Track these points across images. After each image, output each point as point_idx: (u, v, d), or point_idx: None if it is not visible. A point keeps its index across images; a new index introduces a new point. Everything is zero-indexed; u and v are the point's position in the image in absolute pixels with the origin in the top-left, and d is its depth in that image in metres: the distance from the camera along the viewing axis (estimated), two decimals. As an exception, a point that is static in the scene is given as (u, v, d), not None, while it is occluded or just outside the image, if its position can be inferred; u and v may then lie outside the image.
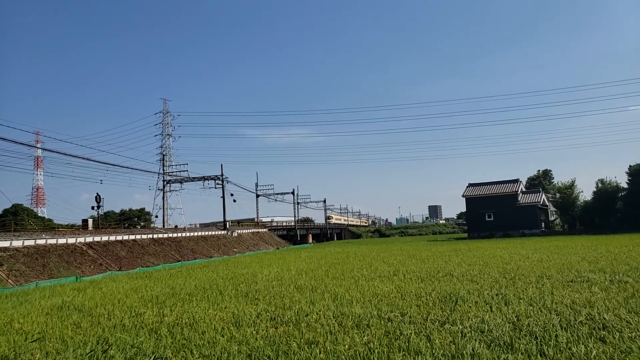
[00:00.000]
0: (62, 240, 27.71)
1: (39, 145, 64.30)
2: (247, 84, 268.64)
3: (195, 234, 43.58)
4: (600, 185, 56.33)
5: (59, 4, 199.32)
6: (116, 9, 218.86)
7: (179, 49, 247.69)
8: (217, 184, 53.53)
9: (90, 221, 40.47)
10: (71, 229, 32.15)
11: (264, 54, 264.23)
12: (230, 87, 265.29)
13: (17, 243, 24.55)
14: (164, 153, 70.40)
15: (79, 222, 45.46)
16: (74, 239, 28.80)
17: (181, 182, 57.97)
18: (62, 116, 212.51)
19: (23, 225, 47.60)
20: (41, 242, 26.19)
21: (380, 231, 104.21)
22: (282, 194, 79.36)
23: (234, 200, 59.03)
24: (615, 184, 55.47)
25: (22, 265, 22.79)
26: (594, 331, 6.91)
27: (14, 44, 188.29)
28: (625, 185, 54.57)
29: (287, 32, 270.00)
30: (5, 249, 23.46)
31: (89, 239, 29.90)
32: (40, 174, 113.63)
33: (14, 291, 17.03)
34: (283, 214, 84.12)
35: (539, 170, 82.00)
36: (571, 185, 58.79)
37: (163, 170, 60.83)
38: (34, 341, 8.13)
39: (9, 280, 20.50)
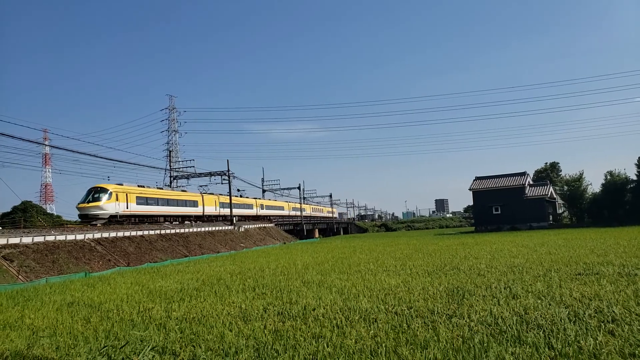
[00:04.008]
0: (70, 237, 27.92)
1: (47, 143, 64.71)
2: (252, 79, 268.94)
3: (203, 229, 43.75)
4: (609, 177, 55.75)
5: (61, 2, 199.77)
6: (120, 6, 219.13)
7: (183, 46, 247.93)
8: (224, 179, 53.65)
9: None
10: (80, 225, 32.37)
11: (268, 49, 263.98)
12: (235, 83, 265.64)
13: (27, 240, 24.76)
14: (171, 149, 70.79)
15: (87, 219, 45.52)
16: (83, 235, 29.01)
17: (188, 178, 58.13)
18: (68, 114, 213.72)
19: (32, 222, 47.96)
20: (50, 238, 26.41)
21: (387, 225, 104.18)
22: (288, 189, 79.31)
23: (240, 196, 59.23)
24: (624, 175, 54.89)
25: (32, 261, 23.01)
26: (602, 324, 6.87)
27: (19, 41, 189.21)
28: (635, 177, 53.96)
29: (292, 27, 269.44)
30: (15, 246, 23.69)
31: (97, 235, 30.10)
32: (49, 171, 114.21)
33: (24, 287, 17.21)
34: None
35: (546, 163, 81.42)
36: (579, 178, 58.26)
37: (170, 166, 61.07)
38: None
39: (20, 276, 20.72)
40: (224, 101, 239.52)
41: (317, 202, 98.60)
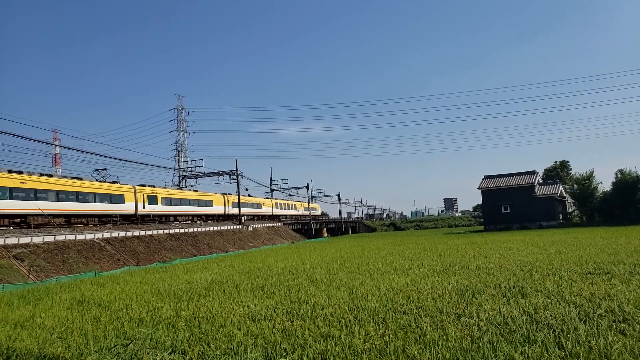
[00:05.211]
0: (80, 236, 28.17)
1: (57, 143, 65.33)
2: (255, 79, 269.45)
3: (211, 228, 43.93)
4: (619, 175, 55.24)
5: (61, 2, 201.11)
6: (120, 6, 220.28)
7: (185, 46, 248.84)
8: (232, 179, 53.86)
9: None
10: (89, 225, 32.63)
11: (271, 49, 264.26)
12: (244, 82, 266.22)
13: (37, 239, 25.02)
14: (179, 149, 71.13)
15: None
16: (92, 234, 29.25)
17: (196, 178, 58.45)
18: (71, 114, 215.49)
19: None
20: (60, 238, 26.65)
21: (395, 224, 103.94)
22: (296, 188, 79.44)
23: (249, 195, 59.42)
24: (635, 174, 54.34)
25: (43, 260, 23.24)
26: (613, 324, 6.80)
27: (20, 42, 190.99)
28: (646, 176, 53.45)
29: (296, 26, 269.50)
30: (26, 245, 23.94)
31: (107, 235, 30.34)
32: (59, 171, 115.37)
33: (35, 286, 17.36)
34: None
35: (556, 162, 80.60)
36: (589, 176, 57.79)
37: (178, 165, 61.40)
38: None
39: (30, 276, 20.93)
40: (226, 101, 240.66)
41: (290, 195, 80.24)
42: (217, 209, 50.74)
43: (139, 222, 37.58)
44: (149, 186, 40.97)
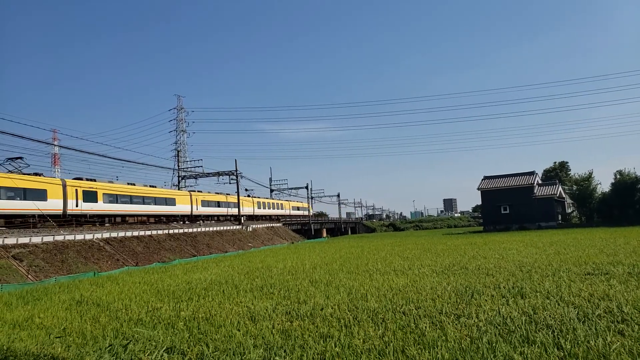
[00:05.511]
0: (79, 237, 28.13)
1: (56, 143, 65.31)
2: (255, 79, 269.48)
3: (211, 229, 43.91)
4: (618, 176, 55.32)
5: (61, 2, 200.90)
6: (127, 5, 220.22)
7: (185, 46, 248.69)
8: (232, 179, 53.83)
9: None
10: (88, 225, 32.54)
11: (271, 49, 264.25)
12: (244, 82, 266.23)
13: (36, 239, 24.99)
14: (179, 149, 71.10)
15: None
16: (91, 235, 29.22)
17: (196, 178, 58.44)
18: (72, 114, 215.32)
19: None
20: (60, 238, 26.62)
21: (395, 225, 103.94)
22: (295, 188, 79.42)
23: (248, 195, 59.36)
24: (634, 175, 54.41)
25: (42, 261, 23.21)
26: (612, 324, 6.81)
27: (19, 42, 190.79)
28: (645, 177, 53.52)
29: (296, 26, 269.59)
30: (25, 245, 23.92)
31: (106, 235, 30.31)
32: (58, 171, 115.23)
33: (34, 286, 17.35)
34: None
35: (555, 162, 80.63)
36: (588, 177, 57.88)
37: (178, 166, 61.31)
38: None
39: (29, 276, 20.91)
40: (227, 102, 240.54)
41: (279, 194, 75.70)
42: (182, 208, 43.69)
43: (74, 224, 30.59)
44: (88, 180, 33.77)
